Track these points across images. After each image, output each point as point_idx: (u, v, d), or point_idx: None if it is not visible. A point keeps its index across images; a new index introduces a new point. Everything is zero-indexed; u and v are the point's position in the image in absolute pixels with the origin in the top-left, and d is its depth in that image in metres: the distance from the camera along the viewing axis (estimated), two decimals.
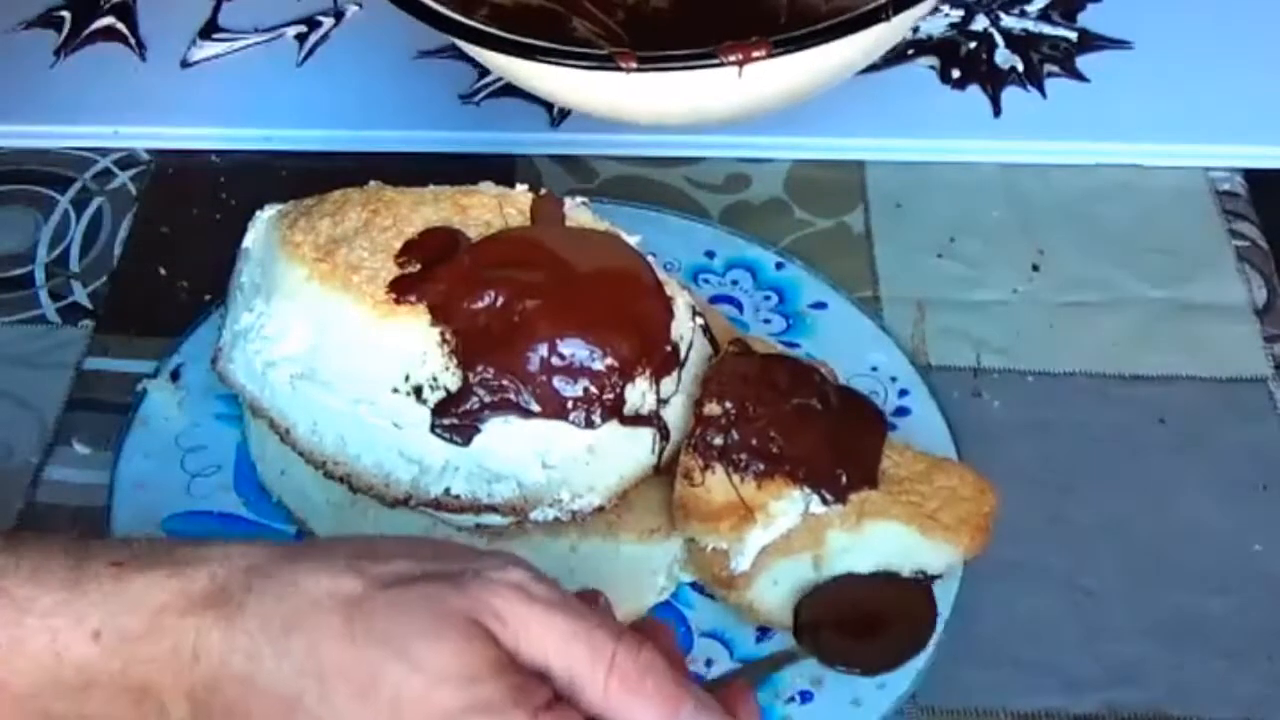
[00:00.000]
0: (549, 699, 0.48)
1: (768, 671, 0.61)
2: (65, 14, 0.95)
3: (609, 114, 0.78)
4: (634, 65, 0.70)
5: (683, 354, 0.65)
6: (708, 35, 0.70)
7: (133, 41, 0.94)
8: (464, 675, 0.47)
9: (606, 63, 0.70)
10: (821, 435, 0.64)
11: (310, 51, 0.93)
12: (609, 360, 0.62)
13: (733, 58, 0.69)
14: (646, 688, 0.48)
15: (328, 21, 0.95)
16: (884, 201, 0.86)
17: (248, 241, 0.69)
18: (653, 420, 0.64)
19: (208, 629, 0.48)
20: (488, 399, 0.62)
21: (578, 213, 0.69)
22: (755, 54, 0.69)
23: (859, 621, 0.63)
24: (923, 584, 0.64)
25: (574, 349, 0.62)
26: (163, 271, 0.82)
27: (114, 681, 0.48)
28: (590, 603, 0.52)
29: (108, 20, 0.95)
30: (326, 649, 0.47)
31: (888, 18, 0.70)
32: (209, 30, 0.94)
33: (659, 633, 0.52)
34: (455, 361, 0.62)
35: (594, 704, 0.48)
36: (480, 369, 0.62)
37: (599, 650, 0.48)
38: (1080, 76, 0.92)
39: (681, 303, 0.67)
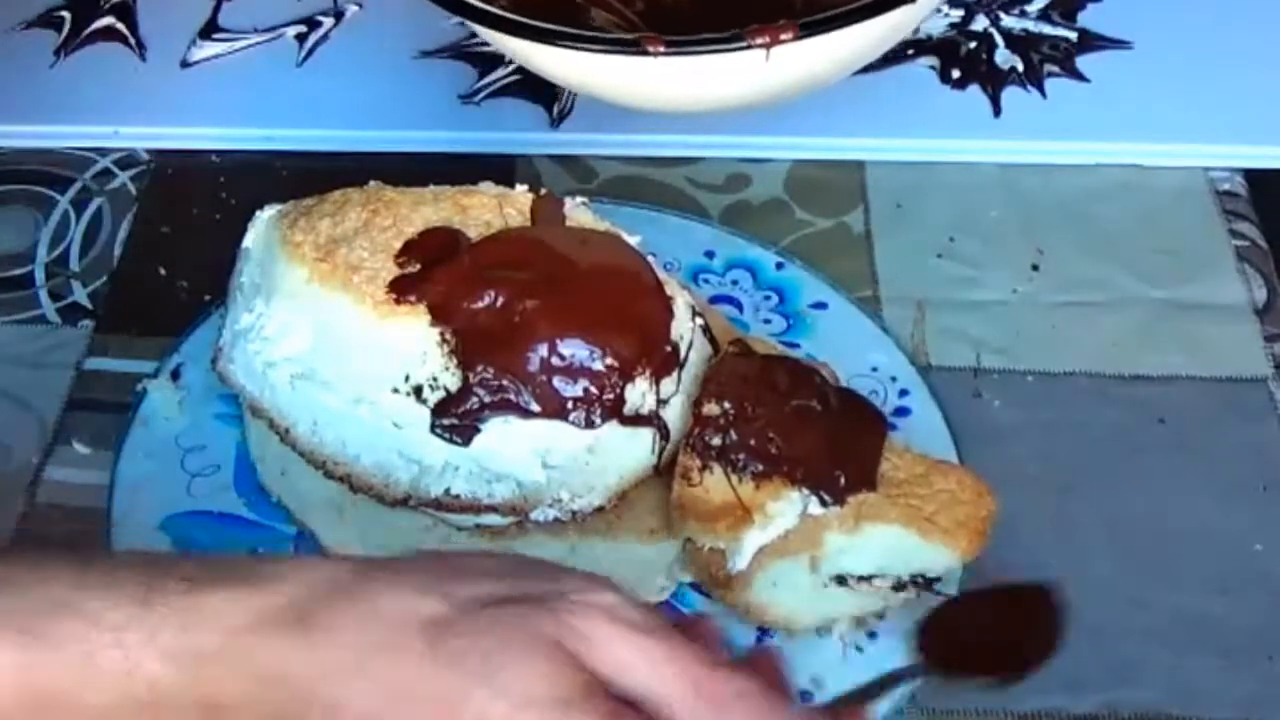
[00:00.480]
0: None
1: (879, 694, 0.58)
2: (65, 14, 0.95)
3: (633, 101, 0.78)
4: (662, 49, 0.69)
5: (683, 354, 0.65)
6: (726, 27, 0.70)
7: (133, 41, 0.94)
8: (551, 699, 0.46)
9: (633, 48, 0.70)
10: (820, 437, 0.64)
11: (310, 51, 0.93)
12: (609, 360, 0.62)
13: (760, 40, 0.69)
14: (735, 712, 0.47)
15: (328, 21, 0.95)
16: (884, 201, 0.86)
17: (248, 241, 0.69)
18: (653, 420, 0.64)
19: (285, 649, 0.47)
20: (488, 399, 0.62)
21: (578, 213, 0.69)
22: (783, 36, 0.69)
23: (982, 633, 0.62)
24: (1042, 589, 0.62)
25: (574, 349, 0.62)
26: (163, 271, 0.82)
27: (184, 699, 0.47)
28: (695, 629, 0.51)
29: (108, 20, 0.95)
30: (408, 672, 0.47)
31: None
32: (209, 30, 0.94)
33: (765, 661, 0.52)
34: (455, 361, 0.62)
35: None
36: (480, 369, 0.62)
37: (689, 675, 0.48)
38: (1080, 76, 0.92)
39: (681, 303, 0.67)
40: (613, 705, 0.47)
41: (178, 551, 0.66)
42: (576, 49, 0.71)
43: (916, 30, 0.94)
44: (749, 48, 0.69)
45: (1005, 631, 0.61)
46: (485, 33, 0.75)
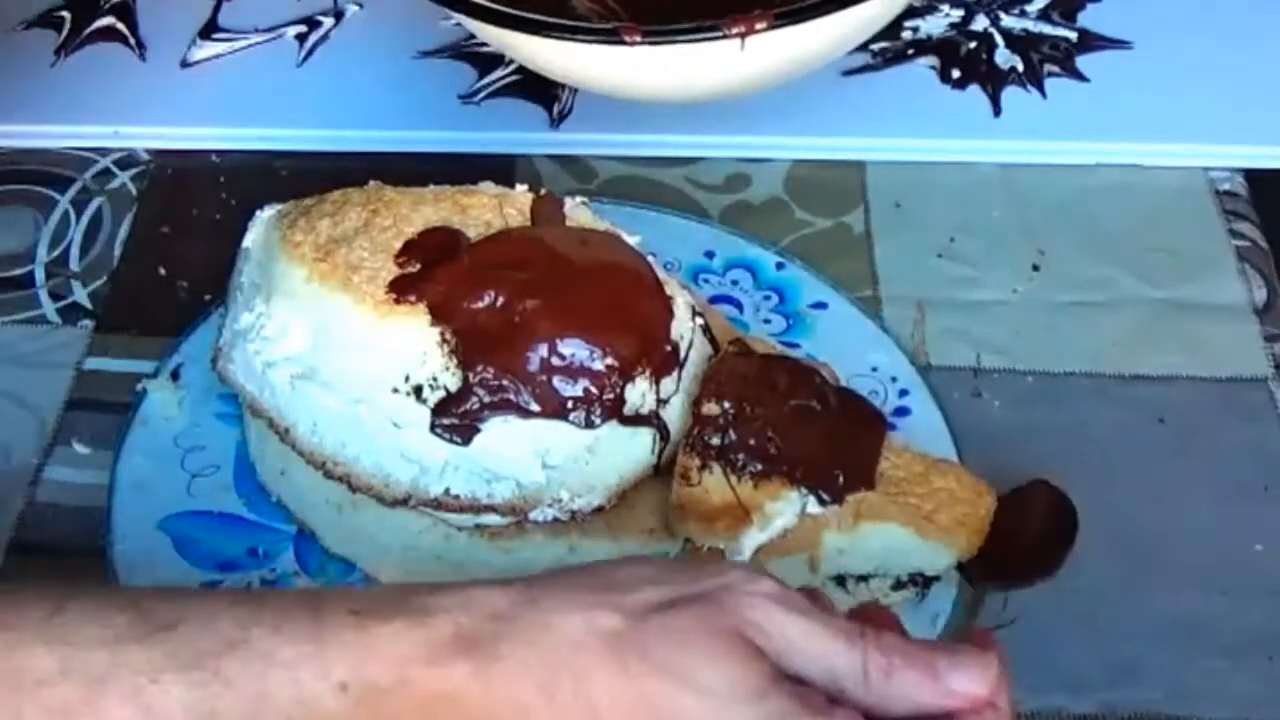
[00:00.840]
0: (825, 701, 0.48)
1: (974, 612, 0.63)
2: (65, 14, 0.95)
3: (613, 90, 0.79)
4: (639, 39, 0.70)
5: (683, 354, 0.65)
6: (705, 17, 0.71)
7: (133, 41, 0.94)
8: (751, 693, 0.47)
9: (611, 37, 0.71)
10: (820, 436, 0.64)
11: (310, 51, 0.93)
12: (609, 360, 0.62)
13: (736, 30, 0.70)
14: (899, 666, 0.49)
15: (328, 21, 0.95)
16: (884, 201, 0.86)
17: (248, 241, 0.69)
18: (653, 420, 0.64)
19: (462, 679, 0.47)
20: (488, 399, 0.62)
21: (578, 213, 0.69)
22: (758, 25, 0.70)
23: (1003, 538, 0.65)
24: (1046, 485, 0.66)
25: (574, 349, 0.62)
26: (163, 271, 0.82)
27: None
28: (817, 600, 0.52)
29: (108, 20, 0.95)
30: (599, 686, 0.47)
31: None
32: (209, 30, 0.94)
33: (880, 613, 0.54)
34: (455, 361, 0.62)
35: (859, 698, 0.49)
36: (480, 369, 0.62)
37: (853, 646, 0.49)
38: (1080, 76, 0.92)
39: (681, 303, 0.67)
40: (801, 688, 0.48)
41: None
42: (555, 38, 0.72)
43: (916, 30, 0.95)
44: (725, 37, 0.70)
45: (1024, 533, 0.65)
46: (467, 22, 0.76)
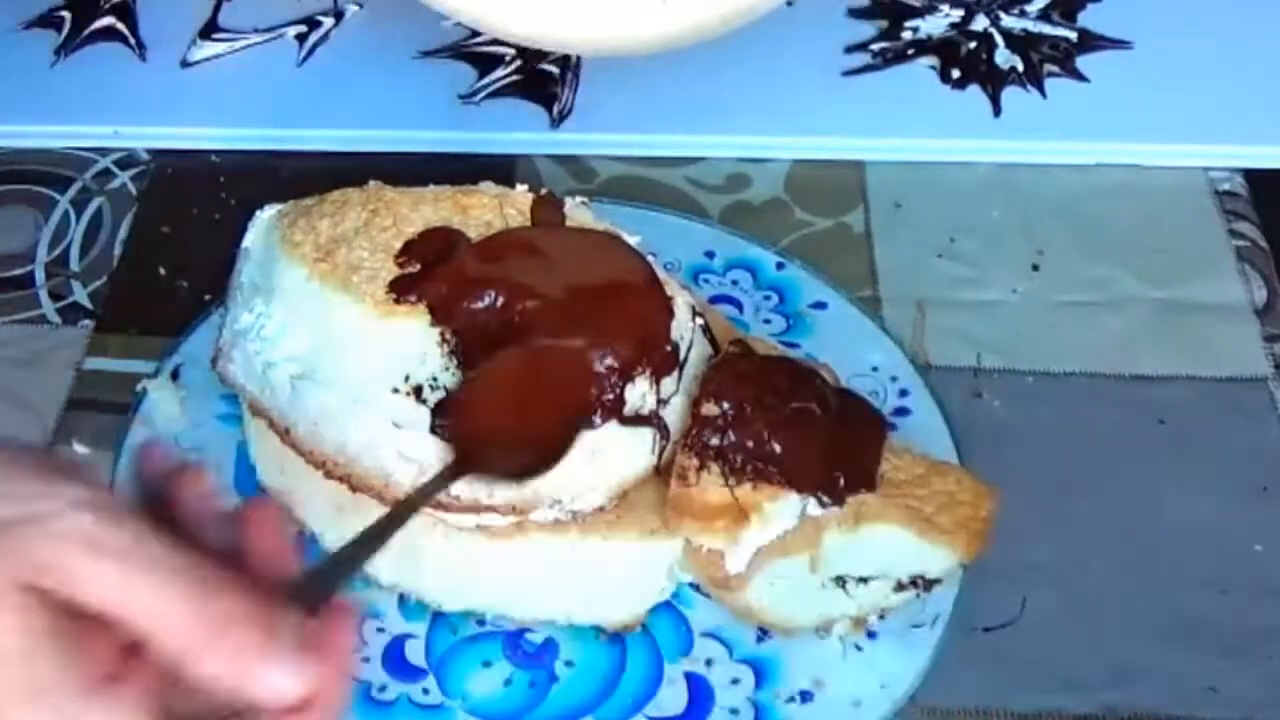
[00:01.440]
0: (111, 670, 0.44)
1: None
2: (65, 14, 0.95)
3: (546, 43, 0.80)
4: None
5: (683, 354, 0.65)
6: None
7: (133, 41, 0.94)
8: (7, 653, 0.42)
9: None
10: (820, 438, 0.64)
11: (310, 51, 0.93)
12: (609, 360, 0.62)
13: None
14: (230, 636, 0.44)
15: (328, 21, 0.95)
16: (884, 201, 0.86)
17: (248, 241, 0.69)
18: (653, 420, 0.64)
19: None
20: None
21: (578, 213, 0.69)
22: None
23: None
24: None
25: (574, 349, 0.62)
26: (163, 271, 0.82)
27: None
28: (257, 515, 0.48)
29: (108, 20, 0.95)
30: None
31: None
32: (209, 30, 0.94)
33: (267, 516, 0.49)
34: (455, 361, 0.62)
35: (176, 653, 0.44)
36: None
37: (184, 607, 0.44)
38: (1080, 76, 0.92)
39: (681, 303, 0.67)
40: (82, 659, 0.43)
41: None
42: None
43: (916, 30, 0.95)
44: None
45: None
46: None
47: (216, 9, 0.96)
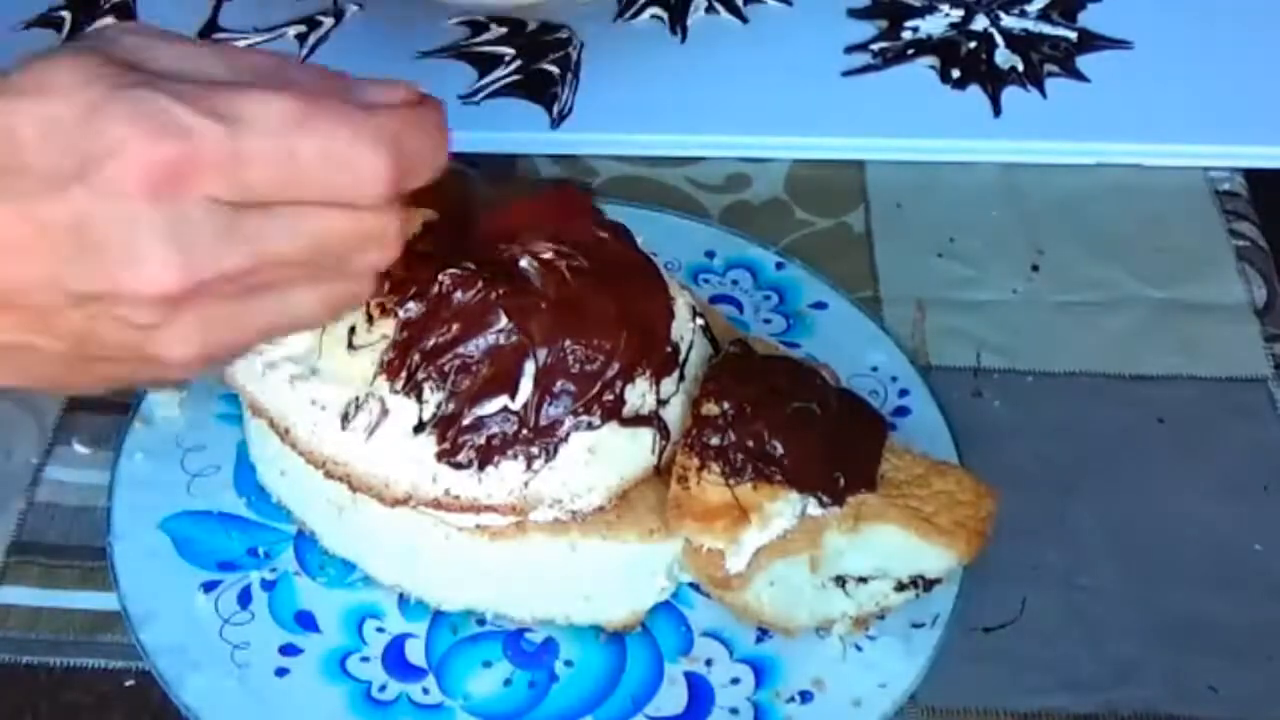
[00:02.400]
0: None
1: None
2: (65, 14, 0.95)
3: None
4: None
5: (683, 354, 0.65)
6: None
7: None
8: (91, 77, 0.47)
9: None
10: (820, 438, 0.64)
11: (310, 51, 0.93)
12: (609, 360, 0.62)
13: None
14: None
15: (328, 21, 0.95)
16: (884, 201, 0.86)
17: None
18: (653, 420, 0.64)
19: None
20: None
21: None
22: None
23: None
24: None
25: (574, 349, 0.62)
26: None
27: None
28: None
29: (108, 20, 0.95)
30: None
31: None
32: (209, 30, 0.94)
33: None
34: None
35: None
36: None
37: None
38: (1080, 76, 0.92)
39: (681, 303, 0.67)
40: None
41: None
42: None
43: (916, 30, 0.95)
44: None
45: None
46: None
47: (216, 9, 0.96)
